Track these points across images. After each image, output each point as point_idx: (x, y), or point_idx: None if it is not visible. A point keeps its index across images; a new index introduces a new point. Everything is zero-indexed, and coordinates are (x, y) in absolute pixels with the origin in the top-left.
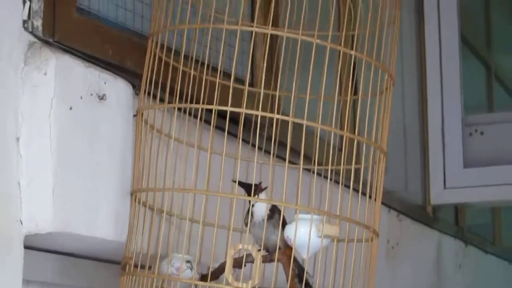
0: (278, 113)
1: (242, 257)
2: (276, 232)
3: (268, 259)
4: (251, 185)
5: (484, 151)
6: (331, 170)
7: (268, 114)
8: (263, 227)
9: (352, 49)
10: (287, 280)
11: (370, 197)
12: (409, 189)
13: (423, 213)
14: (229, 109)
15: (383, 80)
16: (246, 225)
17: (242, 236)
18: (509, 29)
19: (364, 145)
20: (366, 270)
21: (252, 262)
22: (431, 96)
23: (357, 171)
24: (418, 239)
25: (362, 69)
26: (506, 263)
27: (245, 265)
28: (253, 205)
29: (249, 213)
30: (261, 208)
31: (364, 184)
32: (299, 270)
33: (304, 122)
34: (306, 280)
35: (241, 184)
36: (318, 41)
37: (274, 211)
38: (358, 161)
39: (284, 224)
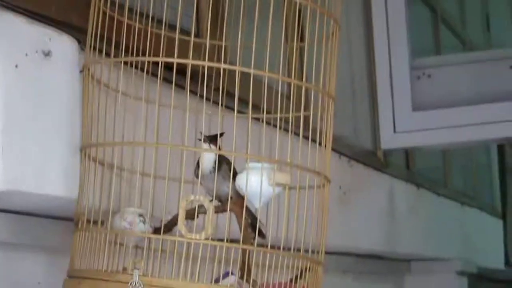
0: (225, 63)
1: (194, 208)
2: (226, 183)
3: (220, 209)
4: (215, 136)
5: (432, 94)
6: (280, 118)
7: (215, 65)
8: (212, 179)
9: None
10: (240, 230)
11: (320, 144)
12: (359, 134)
13: (374, 158)
14: (175, 60)
15: (329, 26)
16: (197, 177)
17: (194, 188)
18: None
19: (313, 92)
20: (319, 217)
21: (205, 213)
22: (378, 41)
23: (306, 118)
24: (370, 184)
25: (308, 16)
26: (459, 204)
27: (197, 217)
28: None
29: (198, 165)
30: (207, 160)
31: (314, 131)
32: (252, 220)
33: (252, 71)
34: (259, 229)
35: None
36: None
37: (221, 162)
38: (306, 109)
39: (235, 174)
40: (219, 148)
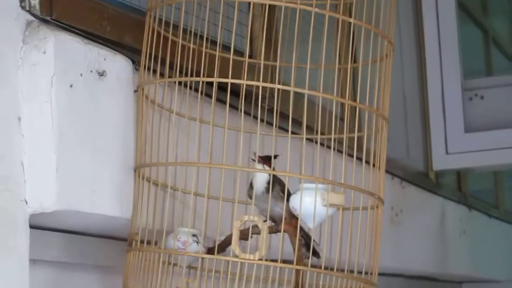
0: (279, 83)
1: (248, 228)
2: (278, 203)
3: (274, 229)
4: (269, 157)
5: (484, 115)
6: (334, 139)
7: (269, 85)
8: (265, 200)
9: (350, 17)
10: (294, 250)
11: (374, 165)
12: (411, 156)
13: (426, 180)
14: (230, 81)
15: (382, 47)
16: (250, 197)
17: (247, 208)
18: None
19: (366, 113)
20: (372, 237)
21: (258, 233)
22: (430, 62)
23: (359, 140)
24: (422, 205)
25: (362, 37)
26: (510, 226)
27: (251, 237)
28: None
29: (251, 186)
30: (260, 180)
31: (367, 152)
32: (306, 240)
33: (306, 91)
34: (314, 248)
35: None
36: (316, 9)
37: (274, 182)
38: (359, 130)
39: (288, 194)
40: (273, 169)
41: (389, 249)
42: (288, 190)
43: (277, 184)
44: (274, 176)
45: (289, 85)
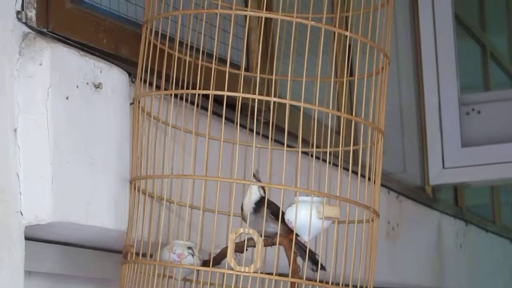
0: (274, 96)
1: (244, 241)
2: (268, 224)
3: (269, 242)
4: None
5: (481, 130)
6: (330, 153)
7: (265, 98)
8: (253, 220)
9: (346, 30)
10: (289, 263)
11: (369, 179)
12: (408, 170)
13: (422, 194)
14: (226, 93)
15: (378, 61)
16: (243, 219)
17: (242, 222)
18: (502, 8)
19: (362, 126)
20: (368, 251)
21: (254, 246)
22: (427, 77)
23: (355, 153)
24: (419, 219)
25: (358, 50)
26: (508, 241)
27: (246, 249)
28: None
29: (242, 208)
30: (247, 201)
31: (363, 166)
32: (302, 251)
33: (302, 104)
34: (314, 258)
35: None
36: (312, 23)
37: (261, 204)
38: (355, 143)
39: (277, 213)
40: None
41: (386, 263)
42: (276, 208)
43: (262, 206)
44: (262, 198)
45: (285, 98)
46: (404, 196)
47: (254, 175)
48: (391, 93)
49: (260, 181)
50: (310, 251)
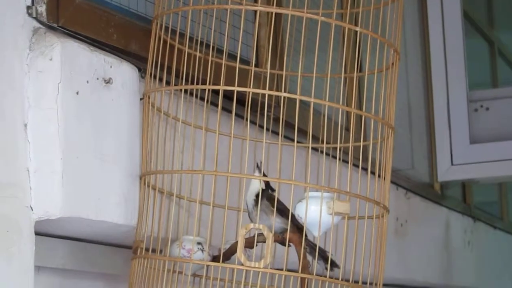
0: (284, 92)
1: (254, 236)
2: (268, 216)
3: (279, 238)
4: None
5: (490, 126)
6: (340, 148)
7: (275, 93)
8: (255, 213)
9: (356, 26)
10: (299, 259)
11: (379, 175)
12: (416, 167)
13: (431, 191)
14: (236, 88)
15: (388, 57)
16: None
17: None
18: (511, 5)
19: (372, 122)
20: (377, 246)
21: (264, 241)
22: (436, 73)
23: (364, 149)
24: (427, 216)
25: (368, 46)
26: None
27: (256, 245)
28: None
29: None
30: (249, 193)
31: (373, 162)
32: (311, 248)
33: (312, 99)
34: (325, 255)
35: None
36: (323, 18)
37: (262, 197)
38: (365, 139)
39: (280, 206)
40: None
41: (394, 260)
42: (281, 203)
43: (264, 198)
44: (264, 190)
45: (295, 94)
46: (413, 193)
47: (257, 166)
48: (399, 90)
49: (262, 172)
50: (320, 248)
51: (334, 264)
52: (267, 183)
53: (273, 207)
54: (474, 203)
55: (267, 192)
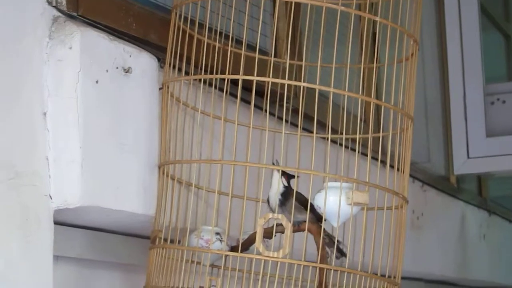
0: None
1: (272, 227)
2: (296, 215)
3: (298, 228)
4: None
5: (506, 119)
6: (358, 139)
7: (294, 82)
8: (281, 213)
9: (375, 16)
10: (318, 250)
11: (398, 169)
12: (432, 160)
13: (447, 184)
14: (255, 78)
15: (408, 47)
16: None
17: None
18: None
19: (391, 113)
20: (396, 237)
21: (282, 232)
22: (452, 66)
23: (383, 140)
24: (443, 209)
25: (387, 36)
26: None
27: (275, 235)
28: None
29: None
30: (273, 192)
31: (391, 154)
32: (330, 240)
33: (331, 89)
34: (340, 247)
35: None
36: (342, 8)
37: (287, 196)
38: (383, 132)
39: (305, 203)
40: (291, 188)
41: (409, 253)
42: (306, 200)
43: (290, 198)
44: (289, 189)
45: (314, 84)
46: (429, 186)
47: (275, 163)
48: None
49: (282, 174)
50: (330, 237)
51: (342, 253)
52: (287, 183)
53: (302, 205)
54: (490, 197)
55: (292, 191)
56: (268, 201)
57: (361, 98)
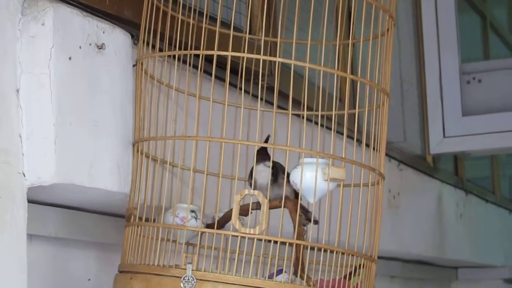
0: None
1: (248, 204)
2: (282, 190)
3: (274, 204)
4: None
5: (482, 98)
6: (334, 116)
7: (269, 58)
8: (270, 189)
9: None
10: (294, 226)
11: (374, 148)
12: (408, 139)
13: (423, 163)
14: (230, 53)
15: (383, 23)
16: (251, 186)
17: (245, 186)
18: None
19: (367, 90)
20: (373, 214)
21: (258, 209)
22: (428, 45)
23: (359, 117)
24: (419, 189)
25: (363, 11)
26: (507, 212)
27: (251, 212)
28: (253, 172)
29: (252, 177)
30: (263, 175)
31: (368, 132)
32: (306, 215)
33: (307, 64)
34: (308, 216)
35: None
36: None
37: (277, 174)
38: (359, 107)
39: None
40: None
41: (386, 232)
42: (288, 174)
43: (281, 173)
44: (276, 165)
45: (289, 59)
46: (405, 165)
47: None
48: (391, 62)
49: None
50: (303, 208)
51: (315, 221)
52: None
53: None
54: (467, 177)
55: (280, 166)
56: (250, 178)
57: (336, 73)
